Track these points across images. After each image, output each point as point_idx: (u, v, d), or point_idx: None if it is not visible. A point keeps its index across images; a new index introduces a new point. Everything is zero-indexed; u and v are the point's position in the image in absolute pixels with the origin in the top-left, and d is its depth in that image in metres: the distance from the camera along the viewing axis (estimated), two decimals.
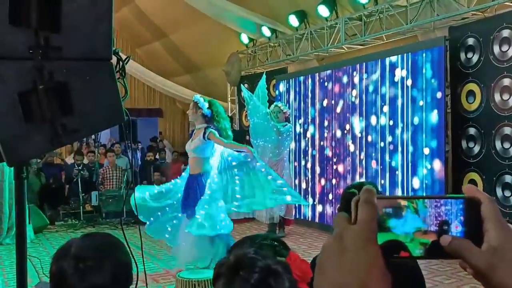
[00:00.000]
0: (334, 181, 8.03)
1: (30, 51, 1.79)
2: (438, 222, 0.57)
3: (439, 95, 6.28)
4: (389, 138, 7.00)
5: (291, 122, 8.23)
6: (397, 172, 6.86)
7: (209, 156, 5.35)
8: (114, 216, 9.13)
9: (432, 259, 0.59)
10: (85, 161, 10.27)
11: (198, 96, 5.42)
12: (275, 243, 1.16)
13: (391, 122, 6.97)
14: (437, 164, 6.31)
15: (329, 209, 8.14)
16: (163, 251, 7.11)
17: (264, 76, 7.59)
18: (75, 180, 9.43)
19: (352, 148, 7.65)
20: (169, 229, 5.36)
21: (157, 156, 12.14)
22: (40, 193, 9.54)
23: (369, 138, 7.33)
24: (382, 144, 7.10)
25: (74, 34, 1.83)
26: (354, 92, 7.62)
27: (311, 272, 1.17)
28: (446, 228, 0.57)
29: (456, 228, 0.57)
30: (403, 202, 0.57)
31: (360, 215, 0.55)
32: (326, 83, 8.22)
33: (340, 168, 7.91)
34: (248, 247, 1.09)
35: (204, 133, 5.19)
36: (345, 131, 7.79)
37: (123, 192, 9.35)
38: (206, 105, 5.26)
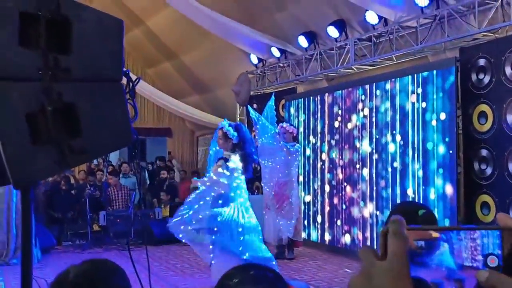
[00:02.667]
0: (343, 202, 7.94)
1: (39, 72, 1.78)
2: (473, 255, 0.52)
3: (450, 116, 6.22)
4: (399, 160, 6.92)
5: (299, 142, 8.18)
6: (408, 194, 6.76)
7: (231, 183, 5.25)
8: (122, 236, 9.08)
9: None
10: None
11: (226, 125, 5.35)
12: (268, 274, 1.10)
13: (402, 143, 6.90)
14: (449, 186, 6.22)
15: (338, 231, 8.03)
16: (169, 272, 7.04)
17: (273, 97, 7.58)
18: (83, 200, 9.41)
19: (361, 169, 7.58)
20: (190, 228, 5.29)
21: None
22: (47, 217, 9.53)
23: (379, 160, 7.26)
24: (393, 166, 7.02)
25: (84, 55, 1.81)
26: (364, 113, 7.57)
27: None
28: (482, 261, 0.52)
29: (492, 262, 0.52)
30: (435, 234, 0.52)
31: (390, 249, 0.50)
32: (335, 104, 8.18)
33: (349, 189, 7.83)
34: (247, 283, 1.02)
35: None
36: (355, 153, 7.72)
37: (131, 212, 9.32)
38: (236, 134, 5.25)
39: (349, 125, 7.86)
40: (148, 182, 11.93)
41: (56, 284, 1.43)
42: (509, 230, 0.53)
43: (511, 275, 0.51)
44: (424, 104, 6.58)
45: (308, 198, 8.69)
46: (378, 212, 7.28)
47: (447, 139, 6.26)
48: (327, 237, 8.25)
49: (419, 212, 1.97)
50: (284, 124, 7.70)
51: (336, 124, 8.14)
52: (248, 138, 5.38)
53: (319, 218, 8.42)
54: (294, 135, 7.69)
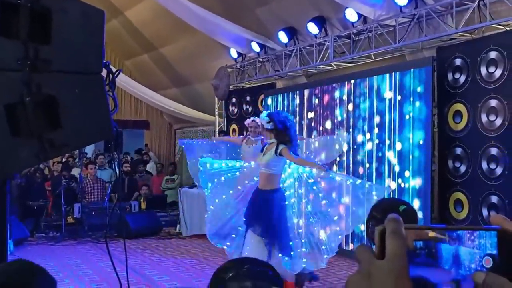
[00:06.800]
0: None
1: (18, 62, 1.74)
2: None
3: (426, 114, 6.32)
4: (375, 156, 7.01)
5: None
6: (383, 190, 6.85)
7: (280, 173, 5.30)
8: (97, 229, 8.99)
9: None
10: (73, 173, 10.16)
11: (263, 114, 5.33)
12: (265, 268, 1.09)
13: (378, 140, 6.98)
14: (423, 183, 6.33)
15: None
16: (145, 265, 7.01)
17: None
18: (57, 192, 9.28)
19: (338, 164, 7.63)
20: (233, 236, 5.35)
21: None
22: (21, 209, 9.36)
23: (356, 156, 7.33)
24: (369, 162, 7.10)
25: (65, 46, 1.79)
26: (342, 110, 7.64)
27: None
28: (478, 262, 0.53)
29: (487, 263, 0.53)
30: (432, 234, 0.53)
31: (389, 249, 0.50)
32: (313, 100, 8.23)
33: (325, 185, 7.87)
34: (242, 277, 1.02)
35: (276, 148, 5.09)
36: None
37: (107, 204, 9.23)
38: (267, 118, 5.16)
39: (327, 121, 7.92)
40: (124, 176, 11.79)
41: None
42: (505, 232, 0.53)
43: (507, 276, 0.51)
44: (400, 102, 6.67)
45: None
46: (353, 208, 7.35)
47: (422, 137, 6.36)
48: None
49: (400, 208, 2.00)
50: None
51: (314, 119, 8.19)
52: (283, 122, 5.14)
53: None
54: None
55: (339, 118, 7.68)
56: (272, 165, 5.17)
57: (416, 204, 6.37)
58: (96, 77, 1.92)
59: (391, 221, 0.51)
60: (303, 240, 5.30)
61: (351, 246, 7.43)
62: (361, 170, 7.24)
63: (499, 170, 5.63)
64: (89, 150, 13.79)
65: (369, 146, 7.13)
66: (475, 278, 0.52)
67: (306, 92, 8.44)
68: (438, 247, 0.53)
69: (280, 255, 5.03)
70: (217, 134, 11.06)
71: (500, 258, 0.53)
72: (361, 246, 0.53)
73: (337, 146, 6.20)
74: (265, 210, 5.10)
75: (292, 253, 5.10)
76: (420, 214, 6.23)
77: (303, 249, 5.25)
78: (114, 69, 2.31)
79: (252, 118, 7.23)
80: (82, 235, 8.98)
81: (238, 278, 1.02)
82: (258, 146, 6.40)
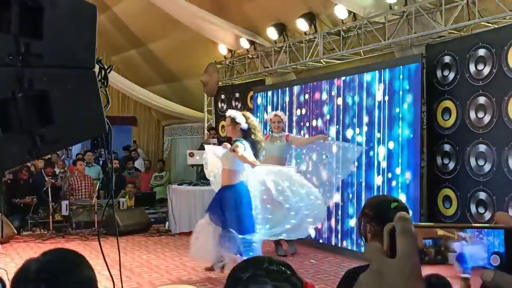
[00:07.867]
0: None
1: (10, 57, 1.71)
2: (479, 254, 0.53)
3: (415, 111, 6.35)
4: (364, 153, 7.02)
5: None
6: (372, 187, 6.88)
7: (239, 169, 5.40)
8: (85, 227, 8.91)
9: None
10: (56, 170, 10.05)
11: (234, 112, 5.47)
12: (283, 268, 1.06)
13: (367, 137, 7.00)
14: (412, 180, 6.36)
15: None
16: (135, 263, 6.97)
17: None
18: (44, 189, 9.17)
19: (327, 161, 7.64)
20: None
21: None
22: (7, 206, 9.25)
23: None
24: (358, 159, 7.11)
25: (57, 41, 1.75)
26: (331, 106, 7.64)
27: None
28: (486, 260, 0.53)
29: (494, 261, 0.53)
30: (441, 232, 0.53)
31: (400, 248, 0.49)
32: (303, 96, 8.23)
33: (314, 180, 7.88)
34: (261, 278, 0.99)
35: (231, 145, 5.25)
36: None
37: (95, 202, 9.14)
38: (244, 119, 5.29)
39: (316, 118, 7.93)
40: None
41: (18, 281, 1.33)
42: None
43: None
44: (389, 99, 6.69)
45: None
46: (342, 203, 7.39)
47: (411, 134, 6.39)
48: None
49: (391, 205, 2.00)
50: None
51: (303, 116, 8.19)
52: (257, 126, 5.44)
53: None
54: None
55: (328, 116, 7.68)
56: (230, 162, 5.34)
57: (404, 200, 6.40)
58: (89, 72, 1.89)
59: (401, 220, 0.50)
60: (292, 213, 5.41)
61: (341, 243, 7.46)
62: (352, 167, 7.26)
63: (487, 167, 5.68)
64: (76, 147, 13.65)
65: (358, 143, 7.14)
66: (484, 276, 0.51)
67: (295, 88, 8.43)
68: (447, 245, 0.52)
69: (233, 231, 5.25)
70: (206, 131, 11.04)
71: (507, 256, 0.52)
72: (371, 244, 0.52)
73: (349, 155, 6.37)
74: (223, 205, 5.33)
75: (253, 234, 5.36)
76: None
77: (292, 221, 5.39)
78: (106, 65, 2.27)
79: (273, 112, 7.20)
80: (70, 233, 8.90)
81: (256, 278, 1.00)
82: (284, 144, 6.43)
